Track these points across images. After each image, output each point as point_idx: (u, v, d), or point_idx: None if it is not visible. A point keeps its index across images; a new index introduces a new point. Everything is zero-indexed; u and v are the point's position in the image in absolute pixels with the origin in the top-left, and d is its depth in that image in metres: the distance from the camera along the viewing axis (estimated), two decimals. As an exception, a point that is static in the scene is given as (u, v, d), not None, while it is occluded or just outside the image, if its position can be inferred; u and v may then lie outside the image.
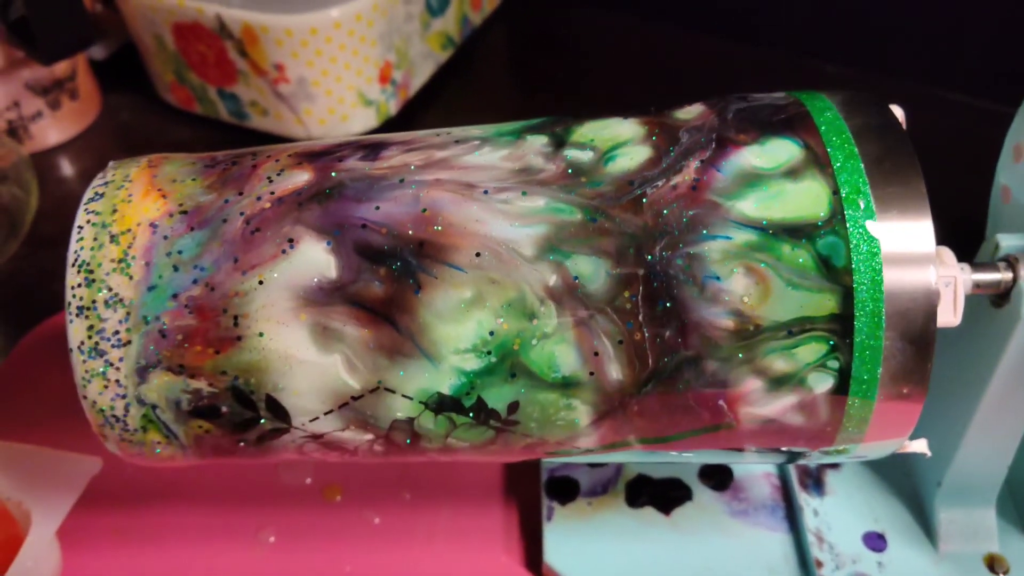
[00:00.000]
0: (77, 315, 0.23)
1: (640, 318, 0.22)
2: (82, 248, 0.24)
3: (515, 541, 0.33)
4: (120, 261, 0.23)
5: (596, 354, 0.23)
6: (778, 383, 0.23)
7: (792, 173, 0.23)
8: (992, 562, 0.30)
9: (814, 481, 0.33)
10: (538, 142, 0.24)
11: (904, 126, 0.24)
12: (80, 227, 0.24)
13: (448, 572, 0.32)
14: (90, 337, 0.23)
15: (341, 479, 0.35)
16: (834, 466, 0.33)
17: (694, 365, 0.22)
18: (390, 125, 0.52)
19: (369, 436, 0.24)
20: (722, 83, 0.55)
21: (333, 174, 0.24)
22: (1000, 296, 0.26)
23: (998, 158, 0.31)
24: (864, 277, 0.22)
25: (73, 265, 0.24)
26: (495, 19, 0.61)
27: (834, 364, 0.22)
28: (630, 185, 0.23)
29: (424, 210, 0.23)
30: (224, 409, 0.24)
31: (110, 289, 0.23)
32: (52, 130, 0.52)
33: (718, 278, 0.22)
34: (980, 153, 0.33)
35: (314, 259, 0.23)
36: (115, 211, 0.24)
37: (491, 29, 0.61)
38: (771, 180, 0.22)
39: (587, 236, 0.22)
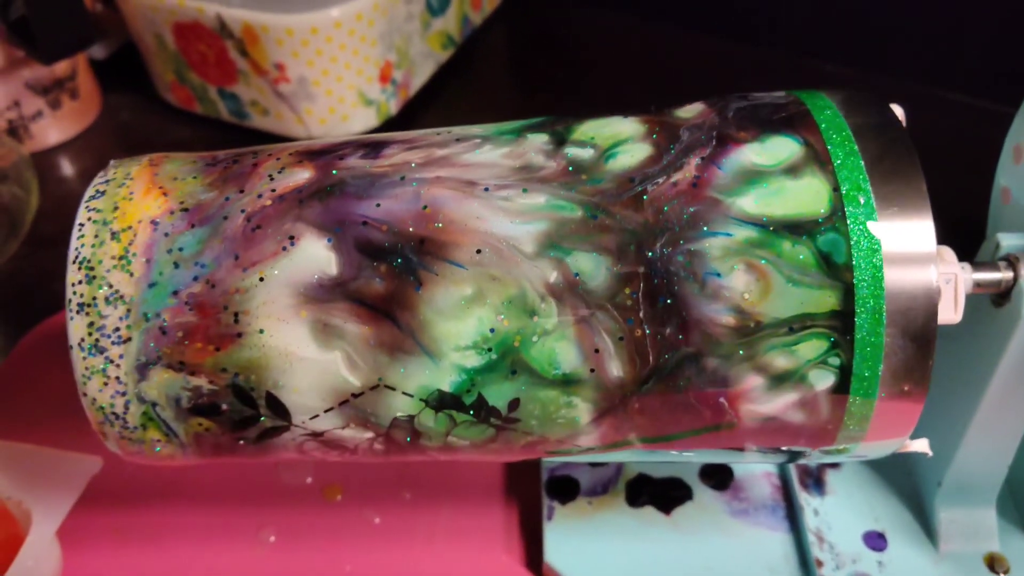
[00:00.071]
0: (77, 312, 0.23)
1: (641, 315, 0.22)
2: (83, 245, 0.24)
3: (515, 541, 0.33)
4: (121, 258, 0.23)
5: (597, 351, 0.23)
6: (779, 380, 0.23)
7: (792, 170, 0.23)
8: (992, 562, 0.30)
9: (814, 481, 0.33)
10: (539, 140, 0.24)
11: (904, 125, 0.24)
12: (81, 224, 0.24)
13: (448, 572, 0.32)
14: (90, 334, 0.23)
15: (341, 479, 0.35)
16: (834, 466, 0.33)
17: (695, 362, 0.22)
18: (390, 125, 0.52)
19: (369, 434, 0.24)
20: (722, 83, 0.55)
21: (334, 172, 0.24)
22: (1001, 295, 0.26)
23: (998, 158, 0.31)
24: (865, 273, 0.22)
25: (74, 262, 0.24)
26: (495, 19, 0.62)
27: (835, 361, 0.22)
28: (631, 182, 0.23)
29: (425, 207, 0.23)
30: (224, 406, 0.24)
31: (111, 286, 0.23)
32: (52, 130, 0.52)
33: (719, 275, 0.22)
34: (980, 153, 0.33)
35: (315, 256, 0.23)
36: (116, 208, 0.24)
37: (491, 29, 0.61)
38: (771, 177, 0.22)
39: (588, 233, 0.22)
